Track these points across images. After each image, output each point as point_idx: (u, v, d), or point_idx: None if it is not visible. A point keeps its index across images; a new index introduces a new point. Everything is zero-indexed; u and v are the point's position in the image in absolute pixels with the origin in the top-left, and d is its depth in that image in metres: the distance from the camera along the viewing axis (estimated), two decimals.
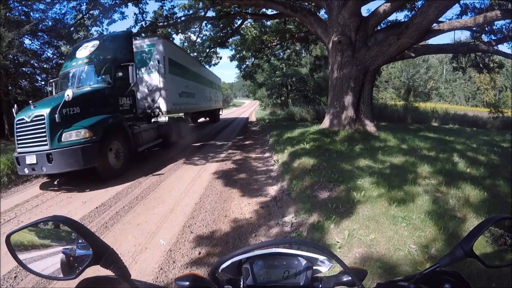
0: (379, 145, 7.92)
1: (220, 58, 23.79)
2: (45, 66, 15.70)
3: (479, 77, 41.55)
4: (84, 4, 14.21)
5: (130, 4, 14.44)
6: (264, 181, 6.56)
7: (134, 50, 10.13)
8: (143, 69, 10.74)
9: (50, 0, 14.61)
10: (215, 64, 23.39)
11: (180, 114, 14.04)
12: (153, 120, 10.62)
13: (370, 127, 9.72)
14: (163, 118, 11.00)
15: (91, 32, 15.68)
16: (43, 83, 16.34)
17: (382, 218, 3.62)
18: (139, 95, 10.38)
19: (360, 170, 5.62)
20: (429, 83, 42.02)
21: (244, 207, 4.97)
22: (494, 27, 13.63)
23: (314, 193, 4.80)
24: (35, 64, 15.61)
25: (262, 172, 7.40)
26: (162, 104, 10.76)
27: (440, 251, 2.86)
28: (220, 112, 26.57)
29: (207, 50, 21.86)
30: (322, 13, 15.71)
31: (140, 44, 10.91)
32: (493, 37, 13.56)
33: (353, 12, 9.68)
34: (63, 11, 16.56)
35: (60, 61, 15.13)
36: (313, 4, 14.33)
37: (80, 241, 0.87)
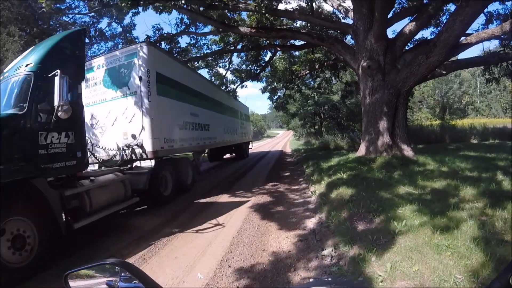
0: (418, 170, 7.68)
1: (235, 94, 23.79)
2: None
3: None
4: (121, 43, 15.36)
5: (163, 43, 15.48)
6: (301, 214, 6.51)
7: (110, 64, 7.93)
8: (119, 91, 7.76)
9: (88, 41, 15.88)
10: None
11: (189, 153, 10.61)
12: (135, 165, 7.77)
13: (408, 151, 9.47)
14: (147, 163, 7.79)
15: None
16: None
17: (425, 247, 3.48)
18: (114, 129, 7.77)
19: (400, 198, 5.47)
20: (463, 99, 40.21)
21: (282, 241, 4.94)
22: None
23: (354, 225, 4.70)
24: None
25: (299, 204, 7.36)
26: (145, 140, 7.40)
27: (487, 280, 2.69)
28: (250, 146, 24.02)
29: (234, 84, 22.41)
30: (349, 39, 15.91)
31: (118, 56, 7.93)
32: None
33: (378, 36, 9.76)
34: (101, 51, 18.02)
35: None
36: (338, 31, 14.57)
37: (123, 274, 0.95)
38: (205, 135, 11.53)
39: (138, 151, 7.44)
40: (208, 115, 12.19)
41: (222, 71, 22.00)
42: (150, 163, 7.73)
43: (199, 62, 18.96)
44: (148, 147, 7.36)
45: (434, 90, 34.95)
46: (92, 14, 15.29)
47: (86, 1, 14.48)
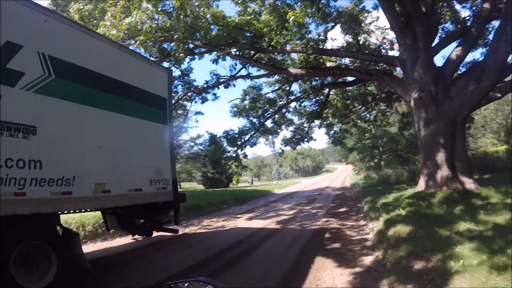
0: (481, 204, 7.29)
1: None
2: None
3: None
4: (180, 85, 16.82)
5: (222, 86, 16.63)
6: (358, 251, 6.51)
7: None
8: None
9: None
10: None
11: None
12: None
13: (469, 184, 8.95)
14: None
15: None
16: None
17: None
18: None
19: (459, 235, 5.33)
20: None
21: (336, 277, 5.03)
22: None
23: (410, 263, 4.70)
24: None
25: (356, 241, 7.35)
26: None
27: None
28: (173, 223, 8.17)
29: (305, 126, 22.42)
30: (399, 70, 15.64)
31: None
32: None
33: (426, 66, 9.66)
34: None
35: None
36: (385, 66, 14.52)
37: None
38: None
39: None
40: None
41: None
42: None
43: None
44: None
45: (496, 113, 31.20)
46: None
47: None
